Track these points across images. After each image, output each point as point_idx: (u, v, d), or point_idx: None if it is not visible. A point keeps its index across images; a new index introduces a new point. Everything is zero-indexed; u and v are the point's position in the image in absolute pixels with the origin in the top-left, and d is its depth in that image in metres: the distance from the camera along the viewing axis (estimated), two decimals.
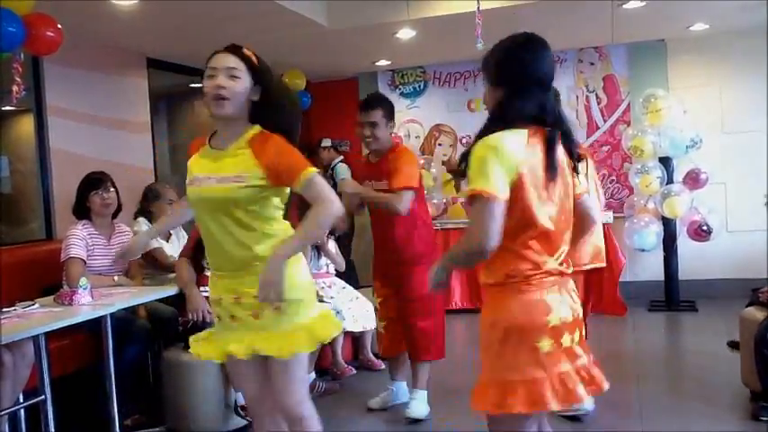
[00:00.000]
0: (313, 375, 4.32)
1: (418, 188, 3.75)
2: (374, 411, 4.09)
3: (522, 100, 2.07)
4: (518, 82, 2.08)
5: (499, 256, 1.99)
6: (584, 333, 2.15)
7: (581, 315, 2.14)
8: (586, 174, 2.43)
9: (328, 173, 6.90)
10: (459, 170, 2.16)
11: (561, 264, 2.09)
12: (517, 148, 2.00)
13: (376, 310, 4.07)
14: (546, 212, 2.03)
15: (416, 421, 3.85)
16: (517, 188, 1.98)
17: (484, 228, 1.93)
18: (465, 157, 2.08)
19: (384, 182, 3.70)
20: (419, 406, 3.87)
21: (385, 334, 4.02)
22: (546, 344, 2.01)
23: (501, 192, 1.94)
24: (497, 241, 1.94)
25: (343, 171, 6.84)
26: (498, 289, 2.06)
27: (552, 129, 2.07)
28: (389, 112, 3.82)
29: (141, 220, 4.47)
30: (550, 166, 2.03)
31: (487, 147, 2.01)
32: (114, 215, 4.13)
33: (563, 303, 2.06)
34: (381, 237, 3.86)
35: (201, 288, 3.83)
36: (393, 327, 3.95)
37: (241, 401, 3.68)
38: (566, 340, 2.04)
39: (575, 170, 2.16)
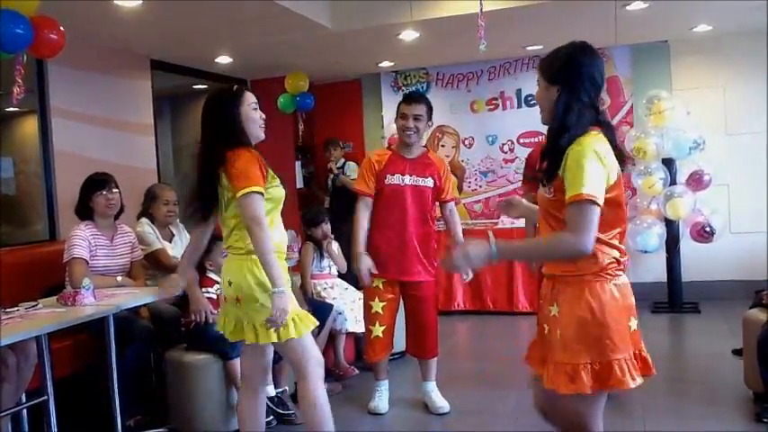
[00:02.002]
0: None
1: None
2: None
3: (581, 102, 2.19)
4: (578, 83, 2.21)
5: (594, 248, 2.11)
6: None
7: None
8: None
9: (339, 170, 7.02)
10: (539, 170, 2.26)
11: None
12: (608, 152, 2.14)
13: (377, 314, 4.00)
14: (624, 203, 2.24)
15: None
16: (612, 189, 2.14)
17: (589, 231, 2.06)
18: (551, 157, 2.18)
19: (429, 179, 3.94)
20: (441, 398, 4.07)
21: (383, 339, 4.03)
22: (633, 323, 2.24)
23: (601, 197, 2.08)
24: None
25: (352, 169, 6.96)
26: (594, 278, 2.17)
27: (607, 129, 2.22)
28: (431, 112, 4.00)
29: (144, 221, 4.47)
30: (620, 165, 2.20)
31: (586, 152, 2.09)
32: (116, 216, 4.13)
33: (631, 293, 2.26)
34: (398, 235, 3.90)
35: (204, 289, 3.84)
36: (390, 331, 4.05)
37: None
38: (633, 322, 2.25)
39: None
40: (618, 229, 2.21)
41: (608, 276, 2.18)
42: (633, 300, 2.26)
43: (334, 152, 7.14)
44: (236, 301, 2.79)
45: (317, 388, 2.91)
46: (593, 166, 2.06)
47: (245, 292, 2.77)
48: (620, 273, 2.22)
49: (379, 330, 4.02)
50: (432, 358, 4.10)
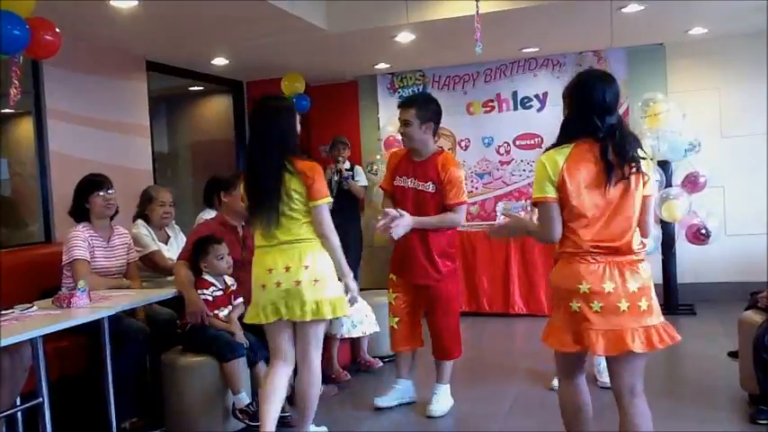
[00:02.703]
0: None
1: None
2: (377, 412, 4.12)
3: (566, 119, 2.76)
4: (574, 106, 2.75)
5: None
6: (640, 304, 2.59)
7: (635, 290, 2.58)
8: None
9: (348, 172, 6.73)
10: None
11: (609, 247, 2.59)
12: (561, 159, 2.61)
13: (390, 304, 4.11)
14: (591, 205, 2.59)
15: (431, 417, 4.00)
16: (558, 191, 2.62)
17: (545, 227, 2.69)
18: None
19: (429, 184, 3.92)
20: (443, 401, 4.06)
21: (398, 329, 4.08)
22: (575, 305, 2.59)
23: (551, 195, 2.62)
24: (559, 232, 2.64)
25: (359, 172, 6.90)
26: (557, 260, 2.72)
27: (604, 141, 2.60)
28: (425, 114, 3.95)
29: (140, 222, 4.46)
30: (604, 170, 2.58)
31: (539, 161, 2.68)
32: (111, 217, 4.12)
33: (602, 277, 2.57)
34: (403, 238, 3.85)
35: (200, 291, 3.83)
36: (406, 322, 4.08)
37: (239, 404, 3.68)
38: (596, 306, 2.56)
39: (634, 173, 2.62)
40: (575, 226, 2.62)
41: (562, 261, 2.71)
42: (582, 286, 2.63)
43: (342, 151, 6.73)
44: (314, 283, 3.18)
45: (318, 363, 3.39)
46: (536, 172, 2.69)
47: (324, 274, 3.23)
48: (573, 262, 2.66)
49: (393, 321, 4.11)
50: (442, 360, 4.09)
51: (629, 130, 2.73)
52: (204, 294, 3.84)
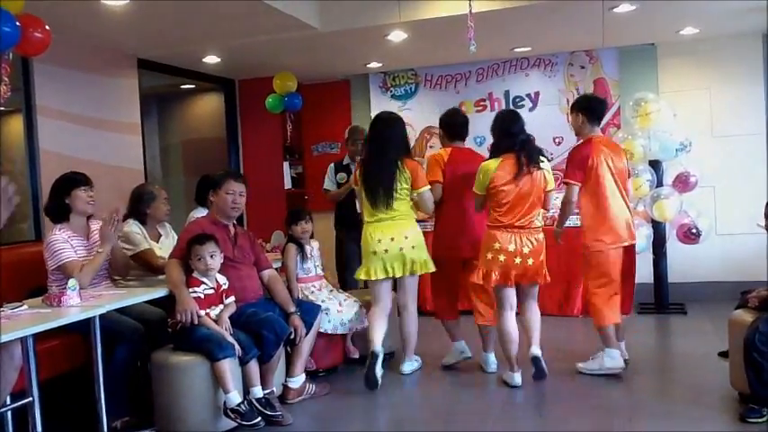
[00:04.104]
0: (303, 377, 4.30)
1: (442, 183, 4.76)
2: (370, 409, 4.20)
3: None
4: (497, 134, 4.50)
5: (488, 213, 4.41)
6: (528, 261, 4.30)
7: (529, 250, 4.29)
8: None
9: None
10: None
11: (516, 225, 4.30)
12: (493, 167, 4.32)
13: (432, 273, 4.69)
14: (508, 195, 4.27)
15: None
16: (489, 188, 4.34)
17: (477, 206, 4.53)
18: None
19: None
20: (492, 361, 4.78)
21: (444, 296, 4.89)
22: (489, 255, 4.32)
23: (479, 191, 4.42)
24: (484, 208, 4.47)
25: None
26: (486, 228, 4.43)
27: (518, 152, 4.31)
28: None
29: (131, 221, 4.41)
30: (517, 173, 4.26)
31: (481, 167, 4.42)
32: (88, 217, 4.08)
33: (509, 240, 4.27)
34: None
35: (191, 289, 3.81)
36: (449, 291, 4.85)
37: (230, 404, 3.66)
38: (501, 257, 4.28)
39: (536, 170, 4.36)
40: (495, 207, 4.34)
41: (489, 229, 4.42)
42: (495, 244, 4.31)
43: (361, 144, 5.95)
44: (412, 248, 4.43)
45: (415, 308, 4.65)
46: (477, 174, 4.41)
47: (420, 241, 4.50)
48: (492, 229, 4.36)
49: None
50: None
51: (534, 144, 4.39)
52: (195, 293, 3.82)
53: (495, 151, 4.36)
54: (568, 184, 4.42)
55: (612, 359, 4.39)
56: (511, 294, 4.37)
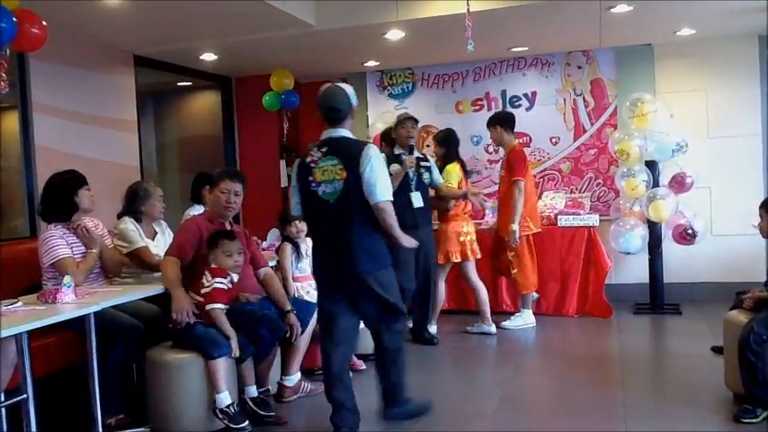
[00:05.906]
0: (298, 376, 4.30)
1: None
2: (365, 411, 4.10)
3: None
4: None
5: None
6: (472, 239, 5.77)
7: (472, 232, 5.79)
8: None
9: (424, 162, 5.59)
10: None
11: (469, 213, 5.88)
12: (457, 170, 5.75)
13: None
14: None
15: None
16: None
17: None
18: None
19: None
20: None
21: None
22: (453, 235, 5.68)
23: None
24: None
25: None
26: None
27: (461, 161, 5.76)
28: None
29: (127, 218, 4.38)
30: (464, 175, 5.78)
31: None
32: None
33: (467, 226, 5.71)
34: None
35: (217, 279, 3.74)
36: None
37: (220, 404, 3.63)
38: (464, 238, 5.63)
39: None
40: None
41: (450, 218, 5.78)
42: (459, 230, 5.67)
43: (412, 130, 5.46)
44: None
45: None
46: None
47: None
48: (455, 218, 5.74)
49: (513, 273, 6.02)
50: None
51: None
52: (222, 283, 3.76)
53: (449, 159, 5.77)
54: (518, 180, 5.60)
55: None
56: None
